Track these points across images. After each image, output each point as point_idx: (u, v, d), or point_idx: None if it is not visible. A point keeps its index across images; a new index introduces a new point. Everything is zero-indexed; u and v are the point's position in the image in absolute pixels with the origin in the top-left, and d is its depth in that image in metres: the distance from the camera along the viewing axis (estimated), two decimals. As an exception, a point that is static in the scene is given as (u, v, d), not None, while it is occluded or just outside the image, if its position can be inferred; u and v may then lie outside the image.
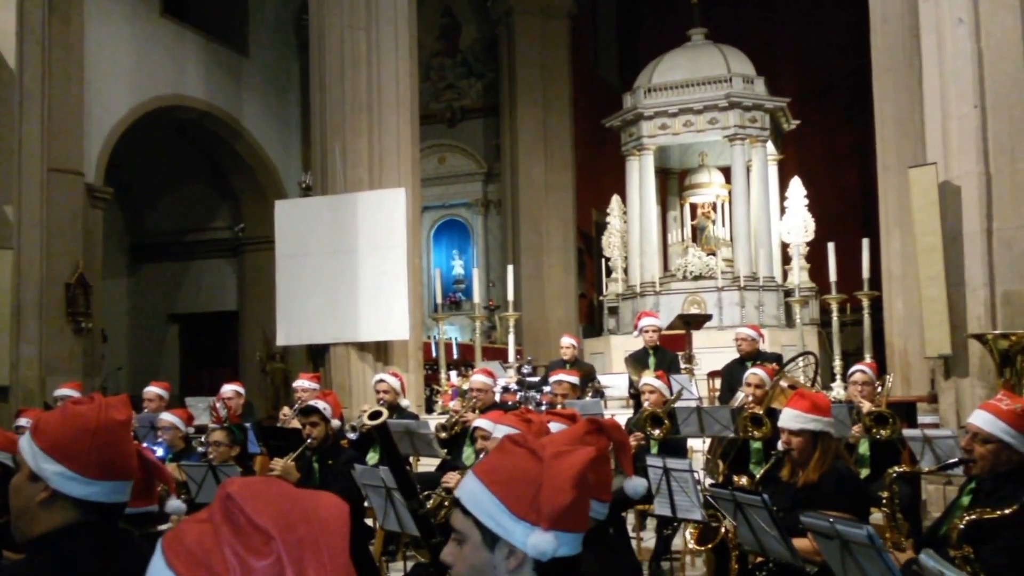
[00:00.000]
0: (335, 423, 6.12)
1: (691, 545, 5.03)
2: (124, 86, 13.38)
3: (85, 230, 11.75)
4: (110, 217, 14.05)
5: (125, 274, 17.21)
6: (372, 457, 6.84)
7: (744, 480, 4.71)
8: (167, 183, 16.74)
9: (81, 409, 2.03)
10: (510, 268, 12.40)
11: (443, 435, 7.13)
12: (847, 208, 16.14)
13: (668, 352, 9.37)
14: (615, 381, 9.70)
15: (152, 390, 8.49)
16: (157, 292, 17.24)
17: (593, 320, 17.33)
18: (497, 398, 8.13)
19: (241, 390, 8.65)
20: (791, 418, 4.26)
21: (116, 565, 2.03)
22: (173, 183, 16.79)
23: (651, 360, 8.82)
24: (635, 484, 2.64)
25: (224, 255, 17.17)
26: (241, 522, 0.97)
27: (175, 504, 3.80)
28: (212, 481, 5.28)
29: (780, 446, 4.43)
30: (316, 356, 11.68)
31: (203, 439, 6.58)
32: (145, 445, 5.31)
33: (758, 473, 4.71)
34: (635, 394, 8.66)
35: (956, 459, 3.82)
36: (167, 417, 6.81)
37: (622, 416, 8.33)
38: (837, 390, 9.01)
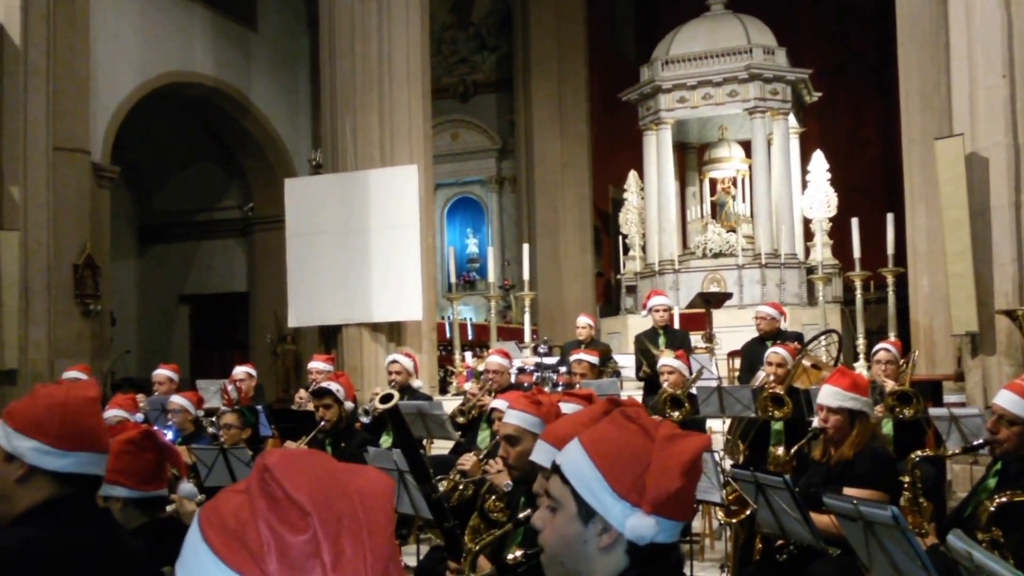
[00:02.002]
0: (348, 405, 6.16)
1: (720, 518, 5.03)
2: (131, 62, 13.38)
3: (92, 210, 11.79)
4: (118, 197, 14.10)
5: (134, 255, 17.28)
6: (386, 440, 6.86)
7: (780, 451, 4.70)
8: (175, 162, 16.77)
9: (49, 389, 2.14)
10: (525, 246, 12.37)
11: (460, 419, 7.14)
12: (871, 182, 16.02)
13: (679, 332, 9.33)
14: (632, 362, 9.69)
15: (162, 372, 8.54)
16: (166, 273, 17.30)
17: (610, 299, 17.29)
18: (513, 379, 8.14)
19: (253, 372, 8.69)
20: (831, 395, 4.26)
21: (96, 537, 2.07)
22: (181, 162, 16.82)
23: (661, 340, 8.79)
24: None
25: (234, 235, 17.19)
26: (278, 495, 0.96)
27: (187, 488, 3.83)
28: (223, 464, 5.32)
29: (816, 423, 4.43)
30: (328, 337, 11.71)
31: (214, 421, 6.62)
32: (155, 428, 5.34)
33: (771, 456, 4.71)
34: (644, 377, 8.64)
35: (980, 441, 3.81)
36: (177, 400, 6.85)
37: (638, 397, 8.34)
38: (860, 369, 8.97)
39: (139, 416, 6.31)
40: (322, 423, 5.86)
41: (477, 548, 3.57)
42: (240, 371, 8.51)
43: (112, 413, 5.61)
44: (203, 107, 15.58)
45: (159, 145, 15.97)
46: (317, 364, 8.31)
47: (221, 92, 15.22)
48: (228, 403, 5.99)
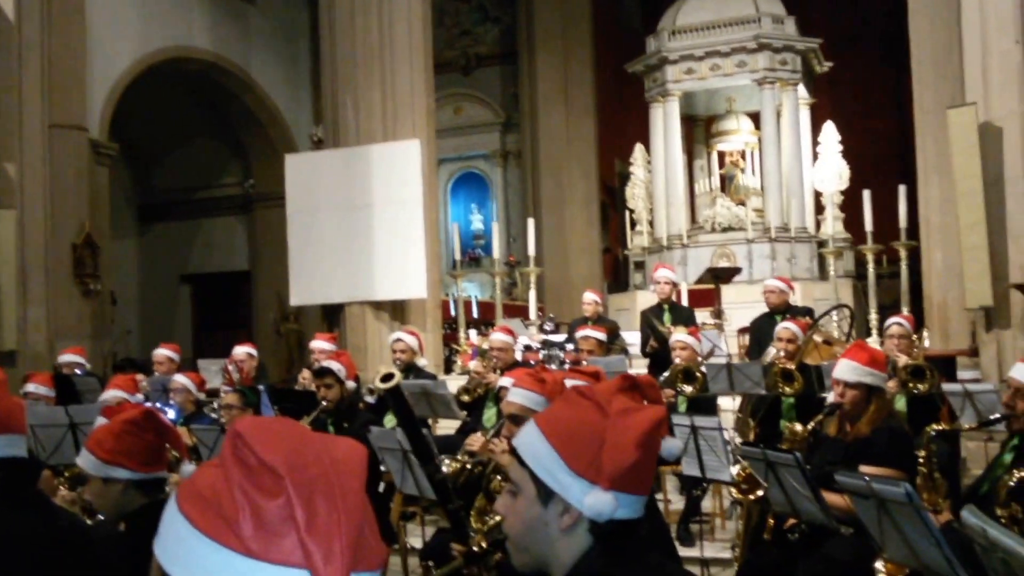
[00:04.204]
0: (350, 384, 6.16)
1: (734, 494, 5.02)
2: (128, 37, 13.30)
3: (91, 188, 11.76)
4: (117, 175, 14.07)
5: (134, 234, 17.26)
6: (390, 421, 6.86)
7: (798, 427, 4.68)
8: (174, 138, 16.71)
9: None
10: (531, 222, 12.33)
11: (465, 398, 7.14)
12: (883, 154, 15.91)
13: (684, 308, 9.32)
14: (639, 339, 9.67)
15: (161, 352, 8.54)
16: (167, 252, 17.29)
17: (618, 275, 17.25)
18: (519, 356, 8.13)
19: (254, 352, 8.69)
20: (848, 370, 4.23)
21: (30, 518, 2.07)
22: (181, 138, 16.75)
23: (666, 316, 8.78)
24: (670, 445, 2.62)
25: (235, 212, 17.12)
26: (251, 461, 0.97)
27: (188, 469, 3.82)
28: (224, 445, 5.31)
29: (831, 399, 4.41)
30: (331, 316, 11.71)
31: (215, 403, 6.63)
32: (156, 407, 5.34)
33: (787, 432, 4.69)
34: (650, 353, 8.63)
35: (997, 415, 3.79)
36: (180, 379, 6.87)
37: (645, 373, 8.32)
38: (873, 345, 8.94)
39: (139, 397, 6.31)
40: (324, 403, 5.86)
41: (485, 529, 3.55)
42: (241, 351, 8.51)
43: (111, 394, 5.62)
44: (202, 83, 15.52)
45: (158, 122, 15.91)
46: (319, 343, 8.30)
47: (220, 67, 15.15)
48: (229, 383, 6.00)
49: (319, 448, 1.01)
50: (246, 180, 16.79)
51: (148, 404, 5.49)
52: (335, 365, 6.01)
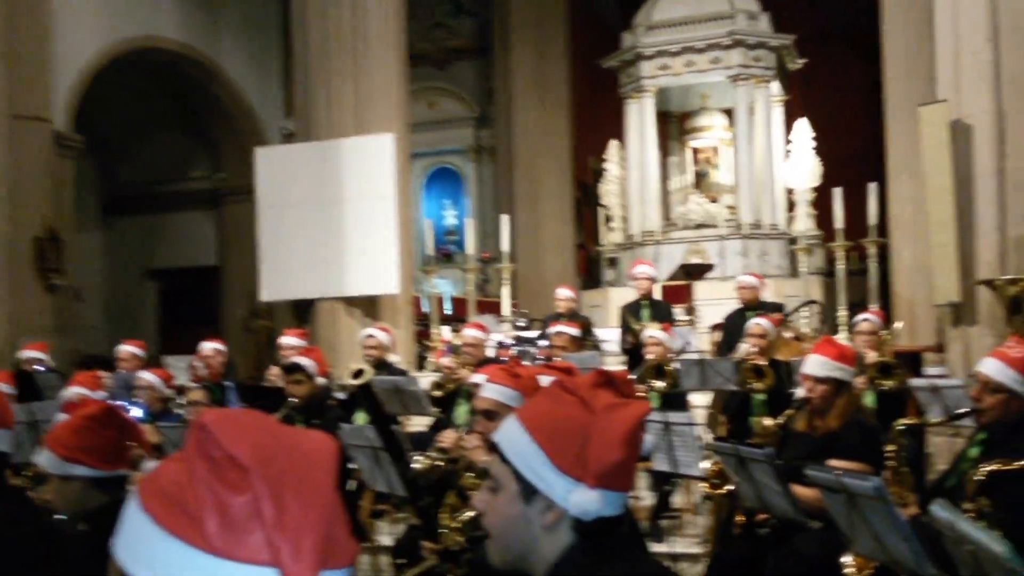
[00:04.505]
0: (320, 381, 6.14)
1: (704, 490, 5.06)
2: (93, 26, 13.15)
3: (54, 181, 11.62)
4: (81, 168, 13.91)
5: (99, 228, 17.07)
6: (360, 417, 6.84)
7: (767, 421, 4.73)
8: (141, 131, 16.53)
9: None
10: (504, 218, 12.31)
11: (437, 393, 7.14)
12: (854, 151, 15.98)
13: (663, 304, 9.38)
14: (612, 335, 9.71)
15: (126, 349, 8.47)
16: (133, 247, 17.12)
17: (591, 272, 17.27)
18: (491, 353, 8.14)
19: (222, 348, 8.64)
20: (818, 365, 4.29)
21: (7, 511, 2.06)
22: (147, 130, 16.57)
23: (645, 313, 8.82)
24: (644, 441, 2.64)
25: (203, 207, 16.97)
26: (216, 455, 0.94)
27: (151, 466, 3.80)
28: (192, 442, 5.28)
29: (800, 394, 4.46)
30: (302, 312, 11.65)
31: (181, 399, 6.59)
32: (120, 404, 5.30)
33: (758, 427, 4.74)
34: (628, 349, 8.66)
35: (965, 409, 3.84)
36: (146, 376, 6.81)
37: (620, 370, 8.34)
38: (842, 340, 9.02)
39: (102, 394, 6.25)
40: (293, 400, 5.83)
41: (456, 526, 3.56)
42: (208, 347, 8.46)
43: (73, 391, 5.57)
44: (170, 74, 15.38)
45: (124, 113, 15.75)
46: (288, 339, 8.26)
47: (188, 58, 15.01)
48: (196, 380, 5.96)
49: (288, 441, 0.99)
50: (215, 174, 16.66)
51: (112, 402, 5.45)
52: (305, 361, 5.99)
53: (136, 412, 6.21)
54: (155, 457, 4.63)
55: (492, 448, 1.66)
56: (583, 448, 1.54)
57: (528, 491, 1.57)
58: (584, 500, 1.54)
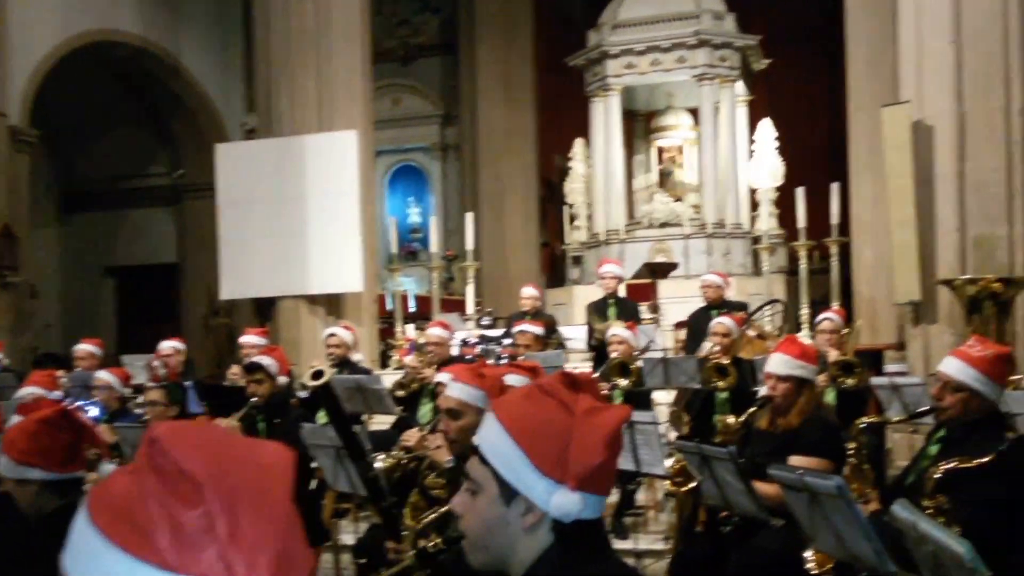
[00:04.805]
0: (281, 380, 6.09)
1: (667, 488, 5.09)
2: (50, 19, 12.96)
3: (10, 177, 11.46)
4: (38, 163, 13.73)
5: (56, 224, 16.84)
6: (323, 417, 6.80)
7: (731, 420, 4.78)
8: (99, 126, 16.31)
9: None
10: (469, 216, 12.30)
11: (400, 392, 7.12)
12: (817, 152, 16.17)
13: (629, 303, 9.41)
14: (576, 333, 9.73)
15: (83, 347, 8.37)
16: (91, 244, 16.90)
17: (556, 270, 17.29)
18: (456, 351, 8.13)
19: (181, 347, 8.56)
20: (780, 363, 4.33)
21: None
22: (106, 126, 16.36)
23: (611, 310, 8.86)
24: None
25: (162, 203, 16.81)
26: (167, 468, 0.92)
27: (108, 469, 3.76)
28: (150, 442, 5.22)
29: (763, 392, 4.50)
30: (263, 310, 11.57)
31: (139, 399, 6.51)
32: (77, 404, 5.24)
33: (720, 425, 4.79)
34: (595, 346, 8.69)
35: (926, 408, 3.89)
36: (103, 376, 6.72)
37: (584, 369, 8.37)
38: (804, 339, 9.10)
39: (58, 394, 6.17)
40: (254, 399, 5.79)
41: (419, 528, 3.55)
42: (167, 346, 8.38)
43: (28, 391, 5.49)
44: (129, 68, 15.20)
45: (83, 108, 15.54)
46: (249, 338, 8.19)
47: (148, 52, 14.84)
48: (154, 379, 5.90)
49: (243, 454, 0.97)
50: (175, 170, 16.49)
51: (69, 401, 5.38)
52: (266, 360, 5.95)
53: (93, 412, 6.13)
54: (112, 458, 4.57)
55: (472, 450, 1.66)
56: (564, 450, 1.55)
57: (508, 493, 1.57)
58: (565, 502, 1.54)
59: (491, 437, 1.61)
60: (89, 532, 0.92)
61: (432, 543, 2.69)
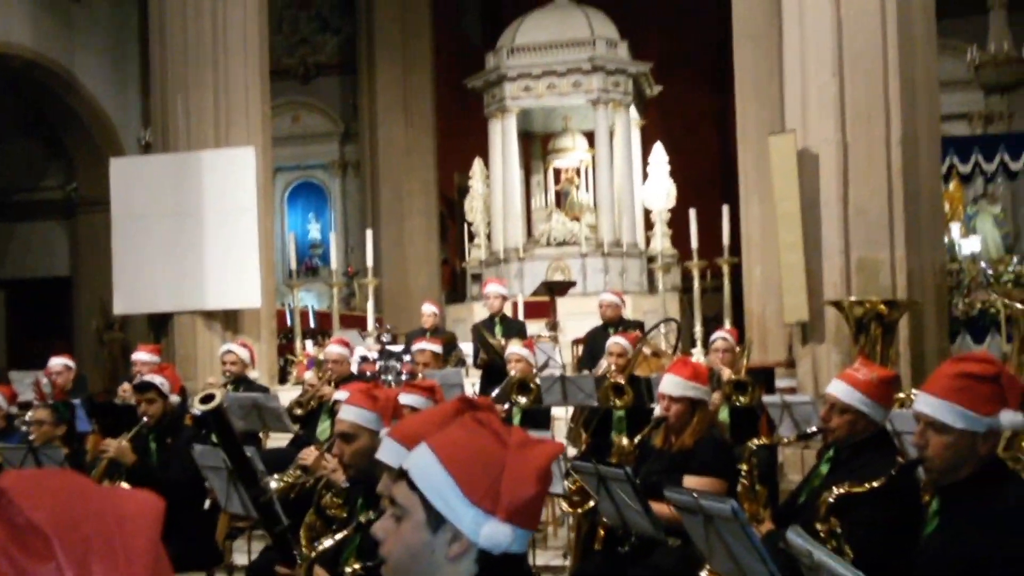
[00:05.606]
0: (174, 399, 5.85)
1: (564, 508, 5.03)
2: (-63, 29, 12.36)
3: None
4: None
5: (-57, 236, 16.10)
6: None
7: (624, 442, 4.74)
8: (-10, 138, 15.67)
9: None
10: (369, 233, 12.16)
11: (298, 411, 6.97)
12: (708, 175, 16.48)
13: (515, 321, 9.42)
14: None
15: (-34, 364, 7.92)
16: (-21, 256, 16.21)
17: (456, 287, 17.22)
18: (355, 368, 7.97)
19: (71, 363, 8.17)
20: (673, 384, 4.32)
21: None
22: (-2, 137, 15.73)
23: (497, 329, 8.84)
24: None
25: (55, 217, 16.27)
26: (18, 521, 0.86)
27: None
28: (33, 464, 4.95)
29: (658, 411, 4.48)
30: (158, 325, 11.18)
31: (27, 416, 6.17)
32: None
33: (616, 447, 4.76)
34: (482, 365, 8.64)
35: (814, 429, 3.91)
36: (-14, 393, 6.36)
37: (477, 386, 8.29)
38: (698, 356, 9.20)
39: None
40: (145, 418, 5.53)
41: (313, 556, 3.40)
42: (57, 363, 7.98)
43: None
44: (22, 81, 14.60)
45: (-28, 120, 14.88)
46: (141, 355, 7.85)
47: (41, 65, 14.30)
48: (40, 397, 5.59)
49: (100, 504, 0.91)
50: (68, 183, 15.95)
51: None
52: (158, 379, 5.67)
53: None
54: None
55: (400, 475, 1.60)
56: (496, 481, 1.52)
57: (436, 520, 1.53)
58: (497, 532, 1.51)
59: (422, 463, 1.56)
60: None
61: (351, 569, 2.57)
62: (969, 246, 11.98)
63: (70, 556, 0.85)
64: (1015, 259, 11.99)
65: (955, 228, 11.85)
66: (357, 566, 2.53)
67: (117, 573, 0.86)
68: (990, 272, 11.10)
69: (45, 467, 4.86)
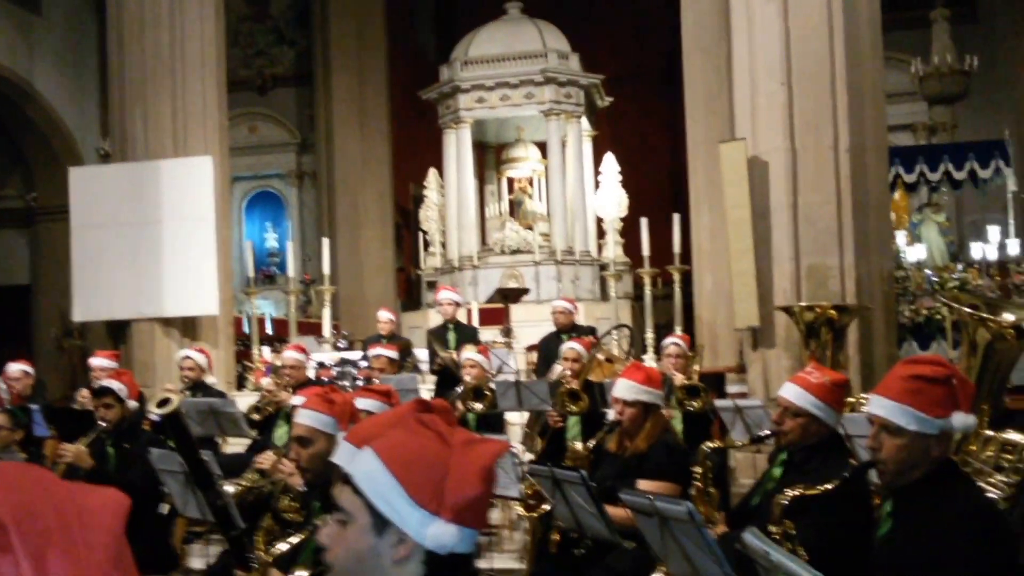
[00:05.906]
0: (131, 404, 5.72)
1: (519, 512, 4.96)
2: None
3: None
4: None
5: (-100, 244, 15.71)
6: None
7: (579, 446, 4.68)
8: (-53, 148, 15.31)
9: None
10: (325, 241, 12.07)
11: (256, 417, 6.88)
12: (659, 184, 16.55)
13: (468, 328, 9.36)
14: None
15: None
16: (-62, 264, 15.84)
17: (412, 294, 17.11)
18: (312, 374, 7.89)
19: (29, 369, 8.00)
20: (626, 389, 4.27)
21: None
22: (-46, 148, 15.38)
23: (451, 335, 8.78)
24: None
25: (15, 225, 16.01)
26: None
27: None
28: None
29: (611, 416, 4.44)
30: (117, 332, 10.96)
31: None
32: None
33: (570, 451, 4.69)
34: (436, 370, 8.57)
35: (767, 432, 3.86)
36: (-60, 401, 6.15)
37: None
38: (650, 362, 9.17)
39: None
40: (103, 423, 5.39)
41: (270, 560, 3.30)
42: (15, 369, 7.81)
43: None
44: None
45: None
46: (99, 361, 7.72)
47: (1, 77, 14.04)
48: (-5, 404, 5.42)
49: (62, 498, 0.90)
50: (28, 192, 15.67)
51: None
52: (115, 384, 5.54)
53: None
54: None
55: (344, 480, 1.54)
56: (441, 482, 1.47)
57: (381, 523, 1.48)
58: (442, 533, 1.46)
59: (364, 466, 1.51)
60: None
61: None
62: (915, 254, 12.07)
63: (26, 548, 0.84)
64: (959, 267, 12.11)
65: (901, 236, 11.94)
66: (306, 573, 2.44)
67: (76, 565, 0.85)
68: (935, 279, 11.19)
69: None
